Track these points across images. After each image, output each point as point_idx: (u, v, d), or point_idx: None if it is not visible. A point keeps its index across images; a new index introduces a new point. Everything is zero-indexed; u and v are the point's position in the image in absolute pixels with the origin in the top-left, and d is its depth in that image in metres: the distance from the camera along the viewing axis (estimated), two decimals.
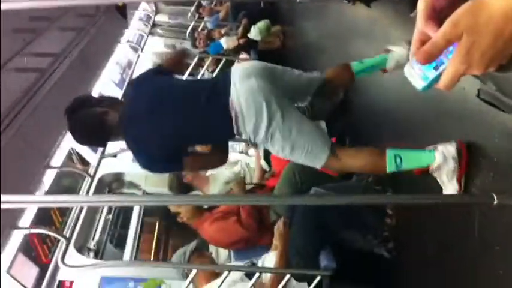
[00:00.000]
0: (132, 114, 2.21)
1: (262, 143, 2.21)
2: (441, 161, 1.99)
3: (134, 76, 4.56)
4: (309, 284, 2.41)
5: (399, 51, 2.36)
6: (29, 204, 1.57)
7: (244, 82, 2.14)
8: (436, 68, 0.77)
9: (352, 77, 2.40)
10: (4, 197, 1.49)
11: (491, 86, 1.68)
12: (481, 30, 0.65)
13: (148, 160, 2.25)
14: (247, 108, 2.10)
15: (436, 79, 0.77)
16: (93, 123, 2.21)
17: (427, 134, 2.44)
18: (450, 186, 2.03)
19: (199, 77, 5.49)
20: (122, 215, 4.14)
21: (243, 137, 2.24)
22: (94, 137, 2.33)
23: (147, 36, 6.38)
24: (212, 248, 3.58)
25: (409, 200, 1.70)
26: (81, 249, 3.48)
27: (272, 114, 2.09)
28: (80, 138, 2.35)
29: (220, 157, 2.45)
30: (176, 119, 2.18)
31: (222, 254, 3.60)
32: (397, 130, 2.79)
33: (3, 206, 1.51)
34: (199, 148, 2.68)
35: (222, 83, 2.20)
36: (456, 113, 2.17)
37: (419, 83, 0.81)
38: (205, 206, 3.49)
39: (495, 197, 1.43)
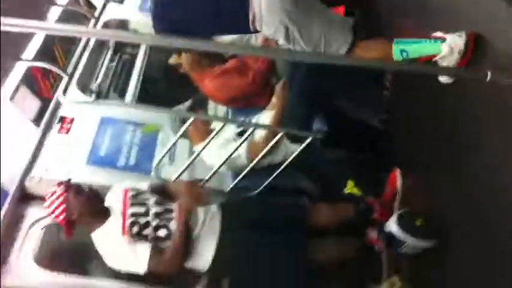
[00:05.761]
0: None
1: (283, 44, 2.23)
2: (446, 53, 2.00)
3: None
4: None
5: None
6: (33, 30, 1.55)
7: None
8: None
9: None
10: (7, 20, 1.47)
11: None
12: None
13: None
14: (267, 13, 2.11)
15: None
16: None
17: (439, 15, 2.37)
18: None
19: None
20: (127, 66, 4.14)
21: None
22: None
23: None
24: (211, 106, 3.65)
25: (407, 67, 1.71)
26: (84, 89, 3.50)
27: (294, 21, 2.12)
28: None
29: None
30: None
31: (220, 113, 3.66)
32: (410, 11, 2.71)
33: (5, 28, 1.48)
34: None
35: None
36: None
37: None
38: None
39: (489, 74, 1.45)
